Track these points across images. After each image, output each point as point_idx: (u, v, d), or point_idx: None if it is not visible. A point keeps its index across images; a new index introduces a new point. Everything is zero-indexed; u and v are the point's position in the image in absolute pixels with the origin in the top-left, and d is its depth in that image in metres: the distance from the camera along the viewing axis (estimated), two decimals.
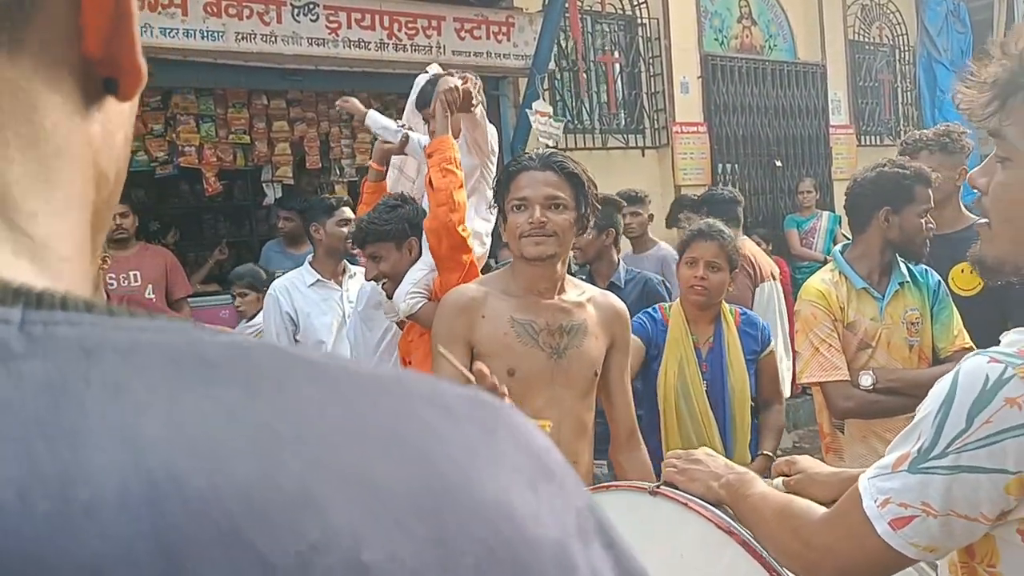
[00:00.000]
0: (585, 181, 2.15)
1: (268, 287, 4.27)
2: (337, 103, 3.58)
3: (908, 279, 2.63)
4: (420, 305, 2.79)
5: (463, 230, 2.65)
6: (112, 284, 4.36)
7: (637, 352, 2.65)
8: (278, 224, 5.45)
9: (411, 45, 5.57)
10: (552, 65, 6.15)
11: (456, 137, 3.00)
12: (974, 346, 2.55)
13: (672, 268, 4.15)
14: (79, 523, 0.25)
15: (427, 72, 3.16)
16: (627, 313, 2.30)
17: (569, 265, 3.70)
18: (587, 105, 6.78)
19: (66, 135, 0.36)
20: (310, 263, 3.82)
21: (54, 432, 0.26)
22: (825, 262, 5.97)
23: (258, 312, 4.20)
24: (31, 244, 0.34)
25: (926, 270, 2.65)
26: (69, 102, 0.37)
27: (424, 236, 2.80)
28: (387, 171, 3.32)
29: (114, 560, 0.25)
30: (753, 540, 1.30)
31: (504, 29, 5.97)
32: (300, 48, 5.13)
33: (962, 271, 2.92)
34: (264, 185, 6.46)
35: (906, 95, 9.50)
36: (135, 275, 4.53)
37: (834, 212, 7.29)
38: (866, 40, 9.09)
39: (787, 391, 3.65)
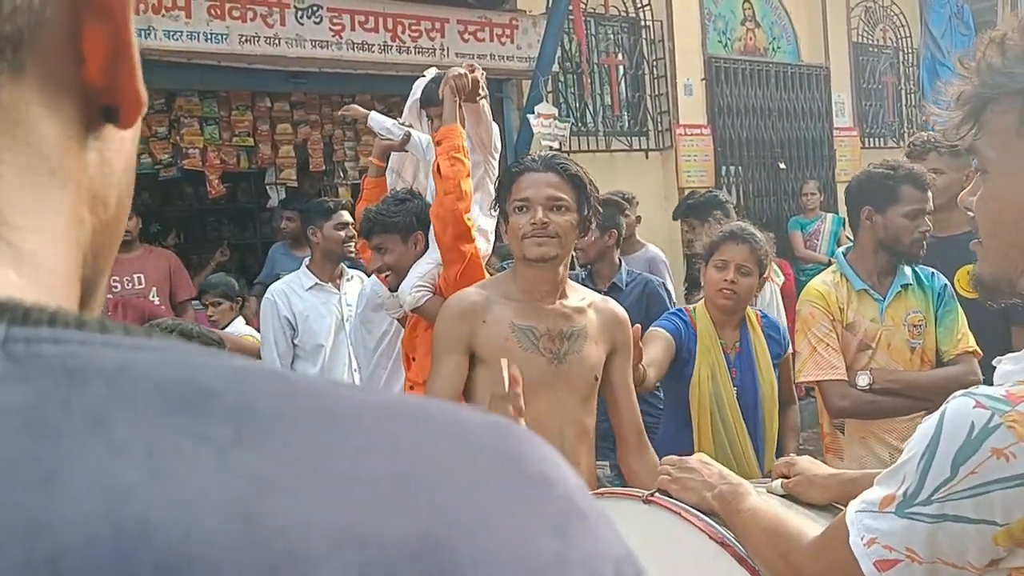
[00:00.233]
0: (587, 183, 2.16)
1: (240, 297, 4.28)
2: (339, 112, 3.59)
3: (912, 282, 2.62)
4: (426, 299, 2.81)
5: (468, 219, 2.66)
6: (116, 287, 4.37)
7: (668, 349, 2.62)
8: (282, 225, 5.46)
9: (415, 47, 5.58)
10: (556, 67, 6.15)
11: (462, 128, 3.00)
12: (978, 349, 2.55)
13: (660, 269, 4.16)
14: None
15: (424, 75, 3.17)
16: (628, 318, 2.29)
17: (572, 263, 3.71)
18: (591, 107, 6.78)
19: (62, 159, 0.36)
20: (307, 266, 3.81)
21: (26, 476, 0.25)
22: (829, 264, 5.99)
23: (231, 321, 4.22)
24: (17, 256, 0.33)
25: (932, 273, 2.64)
26: (68, 127, 0.37)
27: (430, 225, 2.81)
28: (388, 167, 3.34)
29: None
30: (747, 554, 1.29)
31: (508, 31, 5.97)
32: (304, 50, 5.13)
33: (968, 273, 2.91)
34: (268, 188, 6.47)
35: (910, 97, 9.49)
36: (139, 278, 4.54)
37: (838, 214, 7.28)
38: (870, 42, 9.08)
39: None
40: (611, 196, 3.88)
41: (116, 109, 0.38)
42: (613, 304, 2.31)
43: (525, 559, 0.28)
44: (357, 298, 3.47)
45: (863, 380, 2.57)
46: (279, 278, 4.17)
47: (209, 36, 4.80)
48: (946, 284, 2.64)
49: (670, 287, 3.95)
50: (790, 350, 2.89)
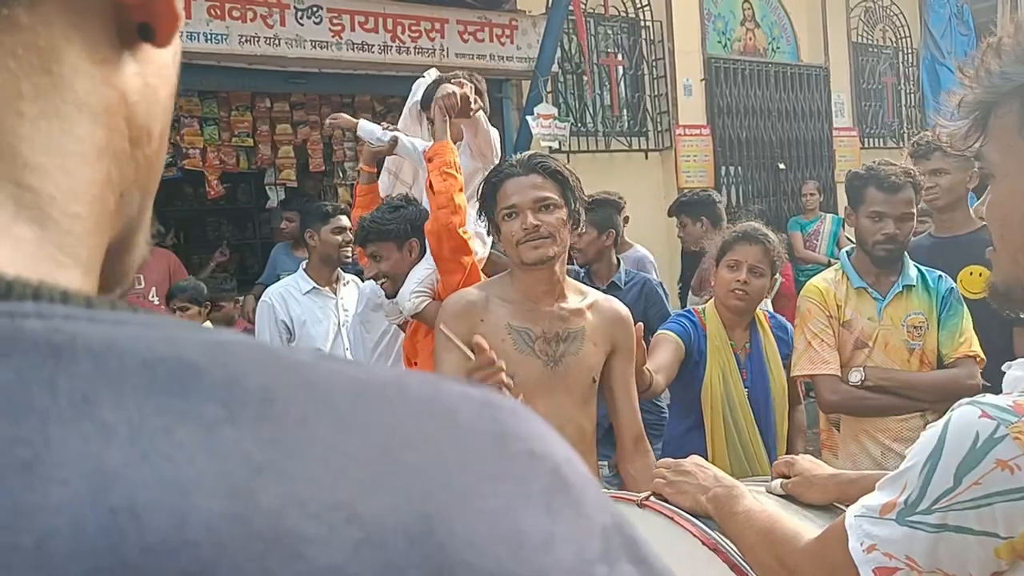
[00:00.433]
0: (570, 177, 2.15)
1: (209, 302, 4.25)
2: (327, 122, 3.60)
3: (916, 283, 2.61)
4: (424, 304, 2.81)
5: (464, 232, 2.66)
6: None
7: (677, 352, 2.61)
8: (283, 226, 5.46)
9: (414, 48, 5.58)
10: (555, 68, 6.15)
11: (457, 141, 3.01)
12: (980, 353, 2.54)
13: (648, 269, 4.17)
14: (27, 566, 0.23)
15: (424, 76, 3.18)
16: (630, 318, 2.28)
17: (570, 258, 3.71)
18: (590, 108, 6.79)
19: (91, 87, 0.34)
20: (305, 270, 3.80)
21: (11, 459, 0.24)
22: (828, 265, 5.99)
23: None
24: (36, 201, 0.32)
25: (940, 276, 2.63)
26: (97, 51, 0.34)
27: (426, 238, 2.81)
28: (379, 173, 3.34)
29: None
30: (739, 558, 1.29)
31: (507, 32, 5.97)
32: (303, 51, 5.13)
33: (971, 273, 2.91)
34: (267, 188, 6.47)
35: (909, 97, 9.49)
36: (138, 278, 4.54)
37: (837, 215, 7.28)
38: (869, 42, 9.08)
39: None
40: (608, 196, 3.88)
41: (151, 27, 0.36)
42: (615, 303, 2.30)
43: (514, 537, 0.28)
44: (358, 297, 3.47)
45: (855, 376, 2.59)
46: (280, 279, 4.16)
47: (209, 36, 4.80)
48: (952, 287, 2.62)
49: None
50: None
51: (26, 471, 0.24)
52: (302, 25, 5.13)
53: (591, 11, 6.71)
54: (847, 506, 1.31)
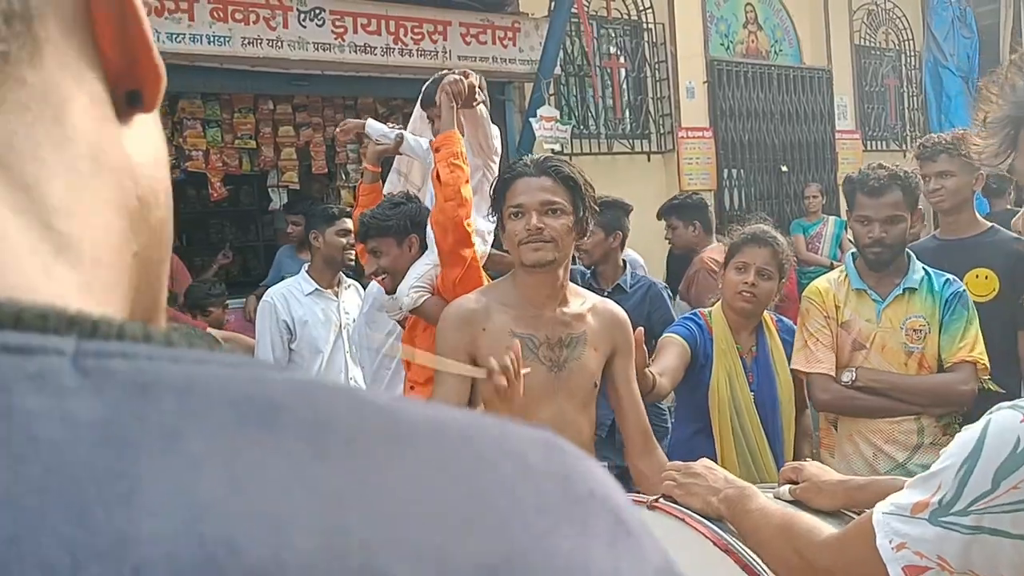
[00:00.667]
0: (582, 185, 2.13)
1: (175, 305, 4.25)
2: (336, 133, 3.60)
3: (918, 286, 2.60)
4: (424, 299, 2.82)
5: (468, 225, 2.66)
6: None
7: (682, 356, 2.60)
8: (289, 230, 5.45)
9: (417, 50, 5.58)
10: (557, 70, 6.16)
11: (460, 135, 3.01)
12: (982, 359, 2.53)
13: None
14: None
15: (435, 78, 3.18)
16: (628, 320, 2.28)
17: (574, 258, 3.71)
18: (593, 110, 6.79)
19: (100, 144, 0.35)
20: (307, 271, 3.80)
21: (109, 489, 0.24)
22: (831, 267, 5.99)
23: None
24: (67, 242, 0.32)
25: (948, 280, 2.62)
26: (99, 108, 0.35)
27: (428, 230, 2.82)
28: (382, 172, 3.35)
29: None
30: (751, 559, 1.29)
31: (510, 34, 5.97)
32: (306, 53, 5.14)
33: (976, 276, 2.91)
34: (270, 190, 6.48)
35: (912, 100, 9.49)
36: None
37: (840, 217, 7.27)
38: (872, 45, 9.08)
39: None
40: (616, 199, 3.88)
41: (139, 93, 0.37)
42: (612, 306, 2.30)
43: (585, 573, 0.29)
44: (364, 296, 3.47)
45: (847, 376, 2.60)
46: (280, 281, 4.16)
47: (212, 39, 4.81)
48: (959, 292, 2.60)
49: None
50: None
51: (124, 503, 0.24)
52: (305, 27, 5.14)
53: (594, 14, 6.71)
54: (857, 512, 1.31)
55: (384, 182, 3.41)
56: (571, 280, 3.57)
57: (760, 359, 2.68)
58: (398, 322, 3.10)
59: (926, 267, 2.65)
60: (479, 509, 0.28)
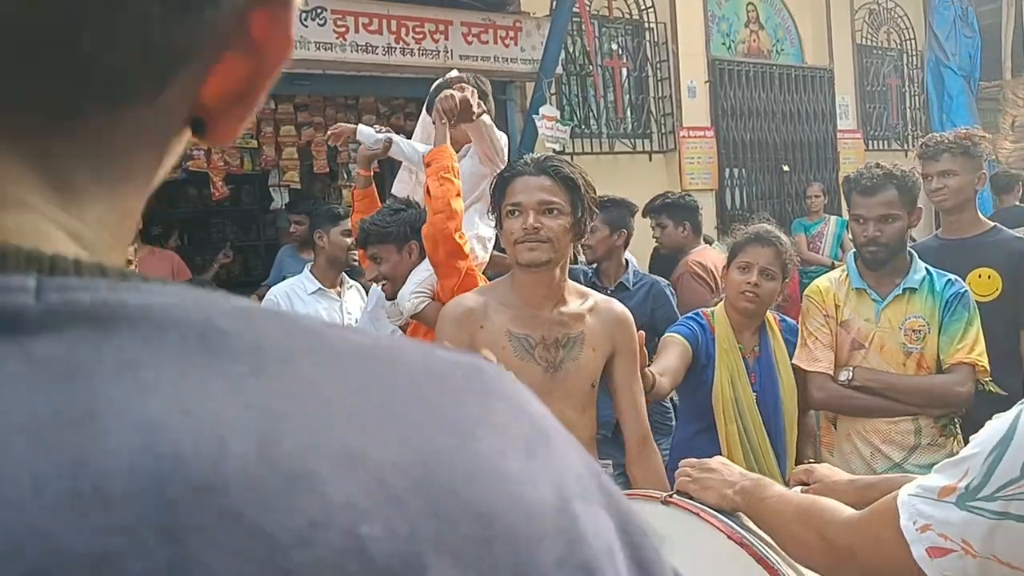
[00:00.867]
0: (581, 185, 2.11)
1: None
2: (327, 139, 3.59)
3: (918, 286, 2.60)
4: (424, 305, 2.82)
5: (459, 237, 2.67)
6: None
7: (684, 355, 2.59)
8: (291, 230, 5.45)
9: (418, 49, 5.58)
10: (559, 70, 6.16)
11: (464, 144, 3.01)
12: (981, 361, 2.52)
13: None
14: (89, 508, 0.25)
15: (445, 78, 3.17)
16: (631, 319, 2.27)
17: (575, 256, 3.71)
18: (594, 110, 6.79)
19: (147, 172, 0.38)
20: (311, 271, 3.80)
21: (68, 417, 0.27)
22: (832, 266, 5.98)
23: None
24: (85, 232, 0.35)
25: (949, 280, 2.61)
26: (163, 141, 0.38)
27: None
28: (375, 176, 3.34)
29: (122, 545, 0.25)
30: (765, 551, 1.28)
31: (511, 34, 5.97)
32: (308, 52, 5.13)
33: (979, 276, 2.90)
34: (271, 190, 6.47)
35: (914, 99, 9.48)
36: None
37: (841, 216, 7.27)
38: (874, 44, 9.07)
39: None
40: (622, 198, 3.89)
41: (204, 126, 0.38)
42: (615, 305, 2.29)
43: (501, 476, 0.31)
44: (369, 295, 3.47)
45: (843, 375, 2.61)
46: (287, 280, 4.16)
47: None
48: (960, 292, 2.58)
49: None
50: None
51: (81, 425, 0.27)
52: (306, 27, 5.13)
53: (595, 13, 6.71)
54: None
55: (380, 184, 3.41)
56: (574, 278, 3.59)
57: (763, 359, 2.68)
58: (399, 328, 3.10)
59: (929, 267, 2.64)
60: (398, 416, 0.31)
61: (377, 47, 5.42)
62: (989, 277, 2.93)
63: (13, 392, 0.27)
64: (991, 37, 9.46)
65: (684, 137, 7.23)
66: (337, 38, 5.27)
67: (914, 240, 3.16)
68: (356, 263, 3.77)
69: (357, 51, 5.34)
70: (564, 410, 2.12)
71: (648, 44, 7.13)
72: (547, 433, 0.35)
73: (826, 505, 1.22)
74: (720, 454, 2.54)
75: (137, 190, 0.38)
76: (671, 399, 3.28)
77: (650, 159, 7.11)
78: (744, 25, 7.91)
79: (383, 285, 2.99)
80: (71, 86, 0.32)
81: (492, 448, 0.32)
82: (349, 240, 3.71)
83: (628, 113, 7.07)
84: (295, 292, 3.71)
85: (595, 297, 2.28)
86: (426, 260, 2.90)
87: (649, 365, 2.37)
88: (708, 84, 7.46)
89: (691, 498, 1.43)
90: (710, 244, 5.06)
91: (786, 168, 7.93)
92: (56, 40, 0.31)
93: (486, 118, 2.93)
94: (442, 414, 0.32)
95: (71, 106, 0.33)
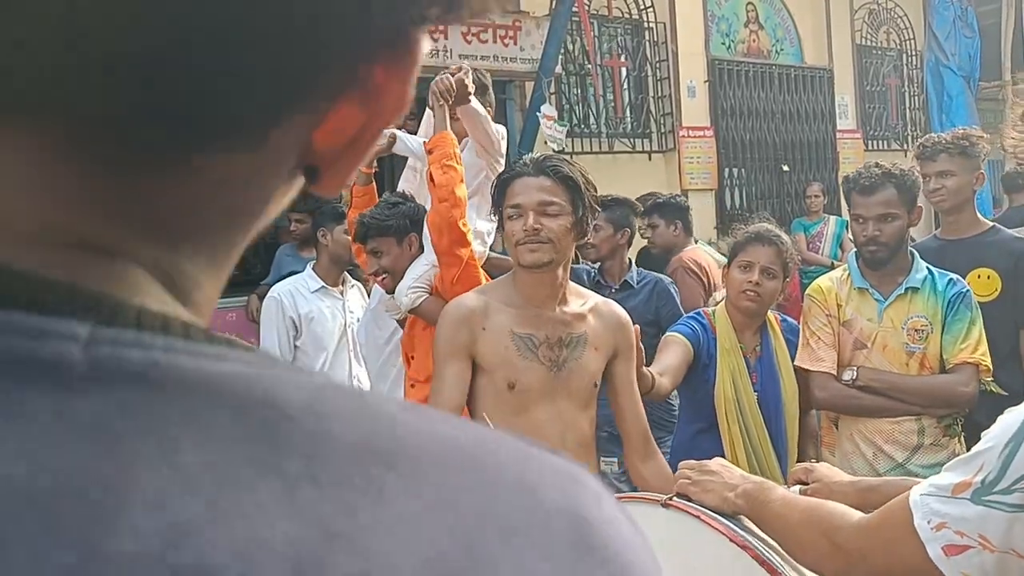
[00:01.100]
0: (582, 184, 2.10)
1: None
2: None
3: (921, 286, 2.60)
4: (422, 299, 2.83)
5: (463, 225, 2.67)
6: None
7: (684, 355, 2.58)
8: (290, 228, 5.43)
9: None
10: (559, 69, 6.15)
11: (462, 139, 3.01)
12: (984, 361, 2.52)
13: None
14: None
15: (445, 72, 3.17)
16: (629, 320, 2.27)
17: (577, 257, 3.71)
18: (594, 109, 6.79)
19: (252, 218, 0.36)
20: (313, 268, 3.80)
21: (90, 500, 0.24)
22: (832, 266, 5.98)
23: None
24: (181, 282, 0.33)
25: (952, 280, 2.61)
26: (275, 185, 0.35)
27: (426, 231, 2.82)
28: (377, 174, 3.34)
29: None
30: (767, 554, 1.28)
31: (511, 33, 5.97)
32: None
33: (978, 276, 2.90)
34: None
35: (913, 100, 9.48)
36: None
37: (841, 216, 7.27)
38: (873, 44, 9.08)
39: None
40: (625, 198, 3.91)
41: (318, 172, 0.36)
42: (614, 306, 2.29)
43: None
44: (372, 292, 3.48)
45: (847, 375, 2.60)
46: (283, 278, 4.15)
47: None
48: (962, 292, 2.58)
49: None
50: None
51: (102, 518, 0.24)
52: None
53: (595, 13, 6.71)
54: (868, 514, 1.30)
55: (380, 183, 3.41)
56: (577, 278, 3.60)
57: (764, 359, 2.68)
58: (398, 322, 3.10)
59: (930, 267, 2.64)
60: (471, 549, 0.27)
61: None
62: (988, 277, 2.93)
63: (36, 453, 0.24)
64: (991, 37, 9.47)
65: (683, 137, 7.23)
66: None
67: (913, 240, 3.15)
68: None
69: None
70: (567, 408, 2.12)
71: (647, 44, 7.13)
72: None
73: (833, 509, 1.21)
74: (721, 454, 2.54)
75: (238, 236, 0.35)
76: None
77: (649, 159, 7.11)
78: (744, 25, 7.91)
79: (382, 279, 2.98)
80: (178, 124, 0.29)
81: None
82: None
83: (627, 113, 7.07)
84: (298, 290, 3.71)
85: (594, 298, 2.28)
86: (423, 255, 2.90)
87: (649, 365, 2.37)
88: (708, 84, 7.47)
89: (691, 501, 1.42)
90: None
91: (786, 168, 7.93)
92: (176, 70, 0.28)
93: (478, 107, 2.92)
94: (529, 552, 0.28)
95: (175, 146, 0.30)
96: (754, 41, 7.98)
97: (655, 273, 3.82)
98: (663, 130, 7.20)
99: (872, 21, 9.04)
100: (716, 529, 1.34)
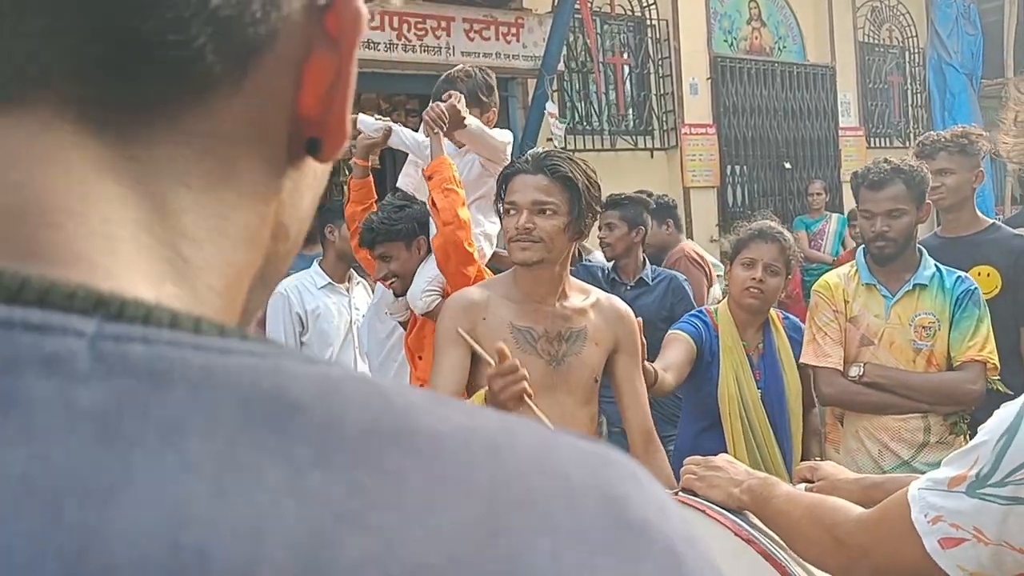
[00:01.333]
0: (581, 184, 2.08)
1: None
2: None
3: (929, 283, 2.59)
4: (436, 303, 2.83)
5: (469, 245, 2.67)
6: None
7: (688, 352, 2.59)
8: None
9: (420, 46, 5.58)
10: (561, 66, 6.16)
11: (460, 148, 3.01)
12: (992, 359, 2.52)
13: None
14: None
15: (452, 71, 3.17)
16: (631, 315, 2.28)
17: (579, 255, 3.72)
18: (596, 106, 6.79)
19: (257, 182, 0.35)
20: (320, 264, 3.81)
21: (90, 485, 0.23)
22: (833, 264, 5.98)
23: None
24: (184, 268, 0.32)
25: (959, 277, 2.60)
26: (269, 154, 0.36)
27: (429, 228, 2.84)
28: (373, 167, 3.34)
29: None
30: (772, 548, 1.28)
31: (513, 30, 5.97)
32: None
33: (978, 274, 2.90)
34: None
35: (916, 97, 9.47)
36: None
37: (843, 214, 7.27)
38: (876, 42, 9.07)
39: None
40: (639, 195, 3.96)
41: (319, 142, 0.37)
42: (616, 301, 2.30)
43: None
44: (375, 289, 3.48)
45: (854, 371, 2.59)
46: (286, 275, 4.15)
47: None
48: (970, 290, 2.58)
49: None
50: None
51: (102, 499, 0.23)
52: None
53: (597, 10, 6.71)
54: None
55: (380, 182, 3.41)
56: (592, 275, 3.60)
57: (767, 356, 2.68)
58: (400, 324, 3.11)
59: (938, 264, 2.63)
60: (497, 531, 0.25)
61: (379, 43, 5.42)
62: (988, 275, 2.93)
63: (37, 442, 0.24)
64: (993, 35, 9.45)
65: (686, 134, 7.23)
66: None
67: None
68: None
69: (359, 47, 5.33)
70: (567, 403, 2.12)
71: (650, 41, 7.13)
72: (683, 563, 0.28)
73: (836, 504, 1.21)
74: (725, 452, 2.54)
75: (250, 208, 0.35)
76: None
77: (651, 156, 7.11)
78: (746, 22, 7.90)
79: (391, 283, 2.98)
80: (144, 72, 0.30)
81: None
82: None
83: (630, 110, 7.07)
84: (304, 286, 3.71)
85: (597, 293, 2.28)
86: (431, 256, 2.90)
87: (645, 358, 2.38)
88: (710, 81, 7.46)
89: (696, 496, 1.43)
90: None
91: (788, 165, 7.93)
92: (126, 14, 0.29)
93: (475, 123, 2.92)
94: (556, 533, 0.26)
95: (148, 95, 0.31)
96: (756, 38, 7.97)
97: (669, 270, 3.85)
98: (665, 127, 7.20)
99: (874, 18, 9.03)
100: (721, 523, 1.34)
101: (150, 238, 0.31)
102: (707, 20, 7.50)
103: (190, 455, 0.24)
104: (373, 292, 3.58)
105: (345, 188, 6.54)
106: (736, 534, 1.31)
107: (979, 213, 3.13)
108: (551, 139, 5.74)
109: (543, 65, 5.85)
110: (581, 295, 2.22)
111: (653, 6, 7.07)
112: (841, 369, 2.61)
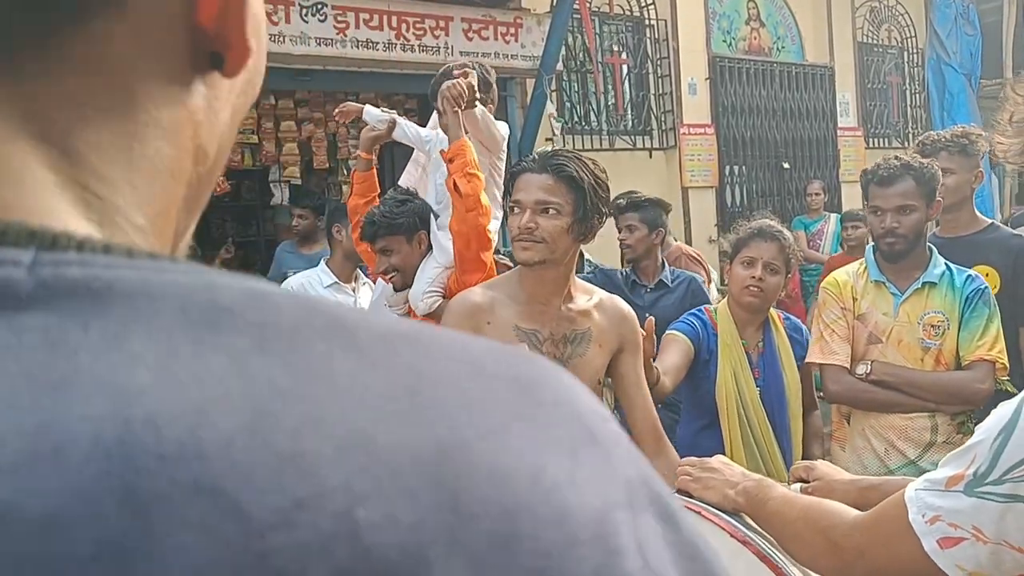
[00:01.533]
0: (587, 185, 2.07)
1: None
2: (335, 115, 3.58)
3: (938, 281, 2.58)
4: (438, 304, 2.82)
5: (488, 231, 2.68)
6: None
7: (685, 353, 2.59)
8: (294, 223, 5.44)
9: (419, 45, 5.58)
10: (560, 66, 6.15)
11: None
12: (1001, 359, 2.51)
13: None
14: (45, 470, 0.24)
15: (449, 66, 3.17)
16: (635, 317, 2.27)
17: (582, 257, 3.73)
18: (594, 106, 6.78)
19: (164, 105, 0.35)
20: (327, 263, 3.81)
21: (40, 381, 0.25)
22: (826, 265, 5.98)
23: None
24: (100, 206, 0.33)
25: (969, 276, 2.59)
26: (170, 71, 0.35)
27: (434, 231, 2.83)
28: (378, 160, 3.34)
29: (76, 509, 0.23)
30: (768, 550, 1.28)
31: (512, 30, 5.97)
32: (308, 48, 5.13)
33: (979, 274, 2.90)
34: (271, 185, 6.47)
35: (915, 97, 9.48)
36: None
37: (841, 214, 7.27)
38: (874, 42, 9.07)
39: None
40: (657, 198, 4.00)
41: (222, 56, 0.37)
42: (619, 302, 2.29)
43: (534, 475, 0.28)
44: (376, 286, 3.49)
45: (861, 369, 2.58)
46: (287, 277, 4.16)
47: None
48: (980, 289, 2.57)
49: None
50: None
51: (53, 390, 0.25)
52: (307, 22, 5.13)
53: (596, 10, 6.71)
54: None
55: (380, 181, 3.40)
56: (612, 278, 3.60)
57: (767, 355, 2.67)
58: (400, 317, 3.11)
59: (948, 263, 2.62)
60: (417, 402, 0.28)
61: (378, 43, 5.42)
62: (987, 275, 2.92)
63: None
64: (992, 35, 9.45)
65: (684, 134, 7.23)
66: (338, 34, 5.26)
67: None
68: None
69: (358, 47, 5.34)
70: None
71: (649, 41, 7.13)
72: (595, 434, 0.30)
73: (831, 507, 1.21)
74: (724, 450, 2.53)
75: (159, 136, 0.35)
76: None
77: (650, 156, 7.11)
78: (745, 22, 7.90)
79: (392, 277, 2.98)
80: (19, 2, 0.30)
81: (526, 444, 0.28)
82: None
83: (628, 110, 7.07)
84: (311, 285, 3.72)
85: (600, 294, 2.27)
86: (434, 256, 2.90)
87: (655, 357, 2.37)
88: (709, 81, 7.46)
89: (692, 497, 1.43)
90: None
91: (786, 165, 7.93)
92: None
93: (480, 109, 2.92)
94: (472, 403, 0.29)
95: (31, 26, 0.31)
96: (755, 38, 7.97)
97: (688, 272, 3.86)
98: (664, 127, 7.20)
99: (873, 18, 9.03)
100: (717, 525, 1.33)
101: (61, 178, 0.32)
102: (706, 20, 7.50)
103: (134, 352, 0.26)
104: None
105: (342, 188, 6.54)
106: (732, 535, 1.31)
107: (978, 213, 3.13)
108: (550, 139, 5.73)
109: (542, 65, 5.84)
110: (585, 296, 2.20)
111: (652, 6, 7.07)
112: (848, 367, 2.59)
